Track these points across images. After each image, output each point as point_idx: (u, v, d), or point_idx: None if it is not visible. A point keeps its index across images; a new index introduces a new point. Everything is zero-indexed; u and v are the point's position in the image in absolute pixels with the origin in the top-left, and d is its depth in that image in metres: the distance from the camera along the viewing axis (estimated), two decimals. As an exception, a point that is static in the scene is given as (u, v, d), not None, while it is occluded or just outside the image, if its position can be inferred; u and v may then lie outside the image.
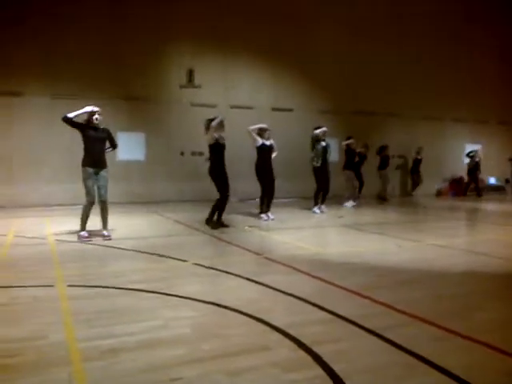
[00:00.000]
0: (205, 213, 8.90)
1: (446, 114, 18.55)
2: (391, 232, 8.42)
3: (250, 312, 3.81)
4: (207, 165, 8.79)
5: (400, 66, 17.01)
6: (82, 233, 7.38)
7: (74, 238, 7.40)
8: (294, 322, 3.60)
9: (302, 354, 3.04)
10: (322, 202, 11.41)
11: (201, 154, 13.61)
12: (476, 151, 18.00)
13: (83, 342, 3.22)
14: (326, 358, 2.93)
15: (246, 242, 7.22)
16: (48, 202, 12.43)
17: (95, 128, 7.37)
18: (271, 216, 9.92)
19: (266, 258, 6.07)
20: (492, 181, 19.97)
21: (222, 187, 8.61)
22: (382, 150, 15.69)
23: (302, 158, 13.55)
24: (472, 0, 18.56)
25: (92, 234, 7.50)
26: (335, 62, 16.03)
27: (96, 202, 7.41)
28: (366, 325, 3.52)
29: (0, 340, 3.27)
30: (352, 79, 16.37)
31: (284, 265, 5.63)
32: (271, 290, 4.51)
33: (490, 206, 14.79)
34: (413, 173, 17.61)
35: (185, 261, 5.83)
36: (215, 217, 8.70)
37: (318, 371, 2.78)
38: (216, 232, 8.20)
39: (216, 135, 8.53)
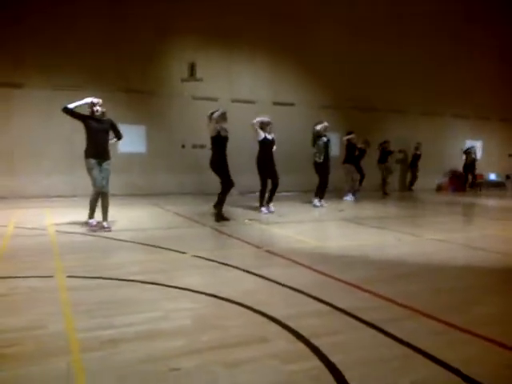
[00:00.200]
0: (205, 205, 8.91)
1: (446, 110, 18.54)
2: (391, 226, 8.43)
3: (249, 304, 3.82)
4: (208, 157, 8.78)
5: (400, 64, 17.03)
6: (91, 221, 7.45)
7: (74, 229, 7.42)
8: (293, 314, 3.60)
9: (300, 345, 3.05)
10: (322, 197, 11.42)
11: (202, 146, 13.64)
12: (473, 147, 18.05)
13: (82, 332, 3.23)
14: (324, 350, 2.94)
15: (246, 235, 7.23)
16: (48, 194, 12.46)
17: (98, 119, 7.35)
18: (272, 208, 9.92)
19: (266, 251, 6.07)
20: (492, 177, 19.98)
21: (224, 179, 8.61)
22: (382, 145, 15.73)
23: (302, 153, 13.56)
24: (472, 0, 18.52)
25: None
26: (336, 57, 16.04)
27: None
28: (365, 317, 3.53)
29: (-1, 330, 3.28)
30: (353, 75, 16.37)
31: (284, 258, 5.64)
32: (270, 283, 4.52)
33: (489, 201, 14.80)
34: (412, 167, 17.71)
35: (184, 253, 5.83)
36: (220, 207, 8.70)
37: (317, 363, 2.79)
38: (216, 225, 8.20)
39: (218, 127, 8.51)
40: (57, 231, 7.28)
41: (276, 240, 7.22)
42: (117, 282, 4.52)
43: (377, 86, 16.60)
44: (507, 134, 20.20)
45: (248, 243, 6.58)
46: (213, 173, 8.70)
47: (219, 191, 8.66)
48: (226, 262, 5.33)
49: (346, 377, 2.61)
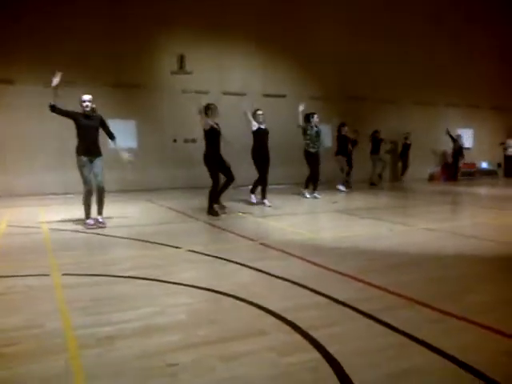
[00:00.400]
0: (197, 200, 8.89)
1: (439, 99, 18.60)
2: (383, 217, 8.47)
3: (245, 297, 3.83)
4: (199, 151, 8.74)
5: (395, 58, 17.05)
6: (88, 221, 7.40)
7: (68, 226, 7.40)
8: (290, 307, 3.62)
9: (297, 337, 3.07)
10: (315, 188, 11.44)
11: (193, 140, 13.61)
12: (458, 136, 18.16)
13: (79, 329, 3.23)
14: (321, 341, 2.96)
15: (240, 229, 7.24)
16: (41, 191, 12.40)
17: (88, 115, 7.30)
18: (268, 203, 9.91)
19: (261, 244, 6.09)
20: (484, 165, 20.09)
21: (213, 175, 8.56)
22: (374, 134, 15.75)
23: (293, 145, 13.55)
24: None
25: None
26: (328, 49, 16.01)
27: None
28: (361, 308, 3.55)
29: (-4, 329, 3.28)
30: (344, 66, 16.35)
31: (278, 250, 5.66)
32: (266, 275, 4.53)
33: (481, 190, 14.88)
34: (401, 157, 17.75)
35: (179, 248, 5.84)
36: (218, 200, 8.68)
37: (314, 354, 2.81)
38: (210, 219, 8.20)
39: (210, 121, 8.48)
40: (50, 229, 7.26)
41: (270, 232, 7.24)
42: (112, 278, 4.52)
43: (370, 77, 16.61)
44: (498, 123, 20.30)
45: (242, 236, 6.59)
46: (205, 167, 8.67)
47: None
48: (220, 255, 5.34)
49: (344, 367, 2.63)
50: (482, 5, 18.81)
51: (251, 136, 9.91)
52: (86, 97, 7.29)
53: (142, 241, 6.32)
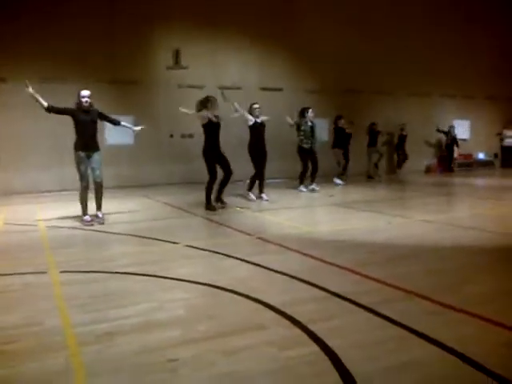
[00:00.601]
0: (194, 195, 8.88)
1: (434, 90, 18.57)
2: (381, 209, 8.47)
3: (244, 292, 3.83)
4: (196, 146, 8.69)
5: (396, 51, 17.02)
6: (85, 217, 7.35)
7: (65, 223, 7.37)
8: (288, 301, 3.62)
9: (297, 331, 3.07)
10: (313, 180, 11.41)
11: (190, 136, 13.57)
12: (452, 127, 18.15)
13: (79, 326, 3.23)
14: (321, 335, 2.96)
15: (238, 223, 7.23)
16: (37, 189, 12.35)
17: (85, 111, 7.27)
18: (265, 197, 9.89)
19: (258, 238, 6.09)
20: (481, 156, 20.10)
21: (210, 169, 8.52)
22: (371, 127, 15.71)
23: (290, 138, 13.50)
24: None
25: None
26: (323, 42, 15.92)
27: (90, 183, 7.38)
28: (360, 301, 3.56)
29: (-5, 327, 3.27)
30: (341, 59, 16.29)
31: (276, 244, 5.66)
32: (264, 270, 4.53)
33: (477, 180, 14.90)
34: (398, 149, 17.71)
35: (177, 243, 5.83)
36: (215, 196, 8.65)
37: (314, 348, 2.81)
38: (207, 213, 8.19)
39: (209, 115, 8.43)
40: (47, 226, 7.23)
41: (267, 227, 7.24)
42: (110, 274, 4.52)
43: (366, 69, 16.57)
44: (494, 113, 20.29)
45: (240, 231, 6.59)
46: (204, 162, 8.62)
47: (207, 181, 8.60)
48: (218, 250, 5.34)
49: (343, 360, 2.64)
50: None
51: (248, 131, 9.89)
52: (85, 92, 7.26)
53: (140, 237, 6.30)
